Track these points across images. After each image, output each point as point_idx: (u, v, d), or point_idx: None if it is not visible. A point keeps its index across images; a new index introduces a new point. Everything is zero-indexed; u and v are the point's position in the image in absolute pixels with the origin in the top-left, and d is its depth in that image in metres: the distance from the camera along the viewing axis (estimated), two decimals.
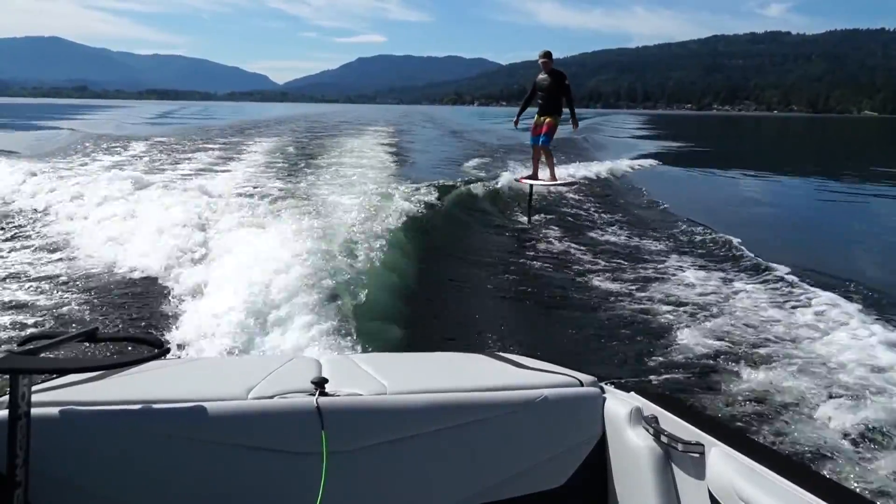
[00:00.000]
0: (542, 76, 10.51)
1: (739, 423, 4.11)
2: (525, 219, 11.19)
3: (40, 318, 5.65)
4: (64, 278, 6.87)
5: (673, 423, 1.72)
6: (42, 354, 1.57)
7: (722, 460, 1.52)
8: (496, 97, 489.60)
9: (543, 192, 12.42)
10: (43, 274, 7.01)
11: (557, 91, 10.39)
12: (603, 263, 8.42)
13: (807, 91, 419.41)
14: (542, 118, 10.67)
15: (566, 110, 10.61)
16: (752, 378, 4.86)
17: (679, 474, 1.69)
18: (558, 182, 11.39)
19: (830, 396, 4.48)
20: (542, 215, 11.58)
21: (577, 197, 13.80)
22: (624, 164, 19.64)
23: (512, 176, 13.65)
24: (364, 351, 4.65)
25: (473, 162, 19.10)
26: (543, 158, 11.15)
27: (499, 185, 13.34)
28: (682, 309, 6.51)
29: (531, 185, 11.19)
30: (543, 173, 11.38)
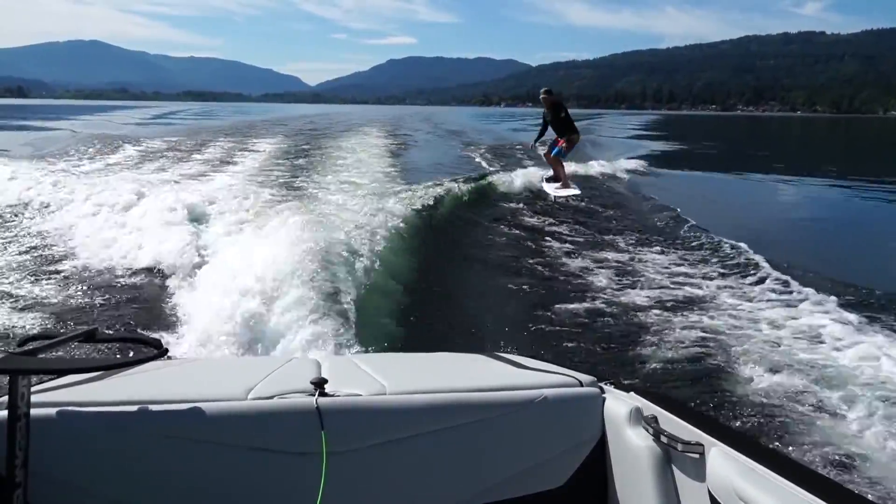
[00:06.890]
0: (545, 111, 12.07)
1: (739, 424, 4.10)
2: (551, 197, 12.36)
3: (40, 319, 5.72)
4: (63, 279, 6.93)
5: (673, 424, 1.71)
6: (41, 355, 1.59)
7: (722, 460, 1.51)
8: (522, 98, 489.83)
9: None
10: (42, 275, 7.07)
11: (559, 117, 11.96)
12: (604, 264, 8.42)
13: (835, 91, 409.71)
14: (556, 138, 12.22)
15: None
16: (753, 379, 4.83)
17: (679, 474, 1.68)
18: (568, 193, 12.42)
19: (831, 398, 4.45)
20: (543, 217, 11.64)
21: (578, 198, 13.73)
22: (622, 166, 19.40)
23: (524, 177, 14.23)
24: (364, 351, 4.66)
25: (474, 162, 19.03)
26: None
27: (503, 186, 13.38)
28: (682, 310, 6.50)
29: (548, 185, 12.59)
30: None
